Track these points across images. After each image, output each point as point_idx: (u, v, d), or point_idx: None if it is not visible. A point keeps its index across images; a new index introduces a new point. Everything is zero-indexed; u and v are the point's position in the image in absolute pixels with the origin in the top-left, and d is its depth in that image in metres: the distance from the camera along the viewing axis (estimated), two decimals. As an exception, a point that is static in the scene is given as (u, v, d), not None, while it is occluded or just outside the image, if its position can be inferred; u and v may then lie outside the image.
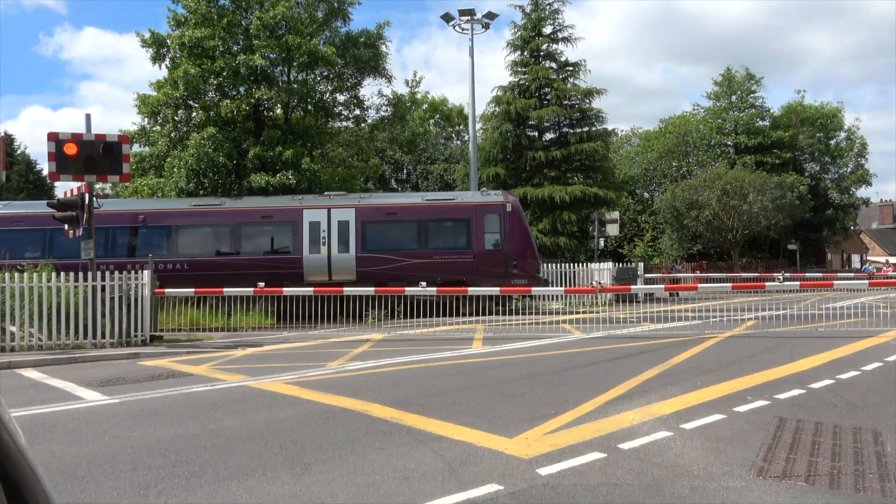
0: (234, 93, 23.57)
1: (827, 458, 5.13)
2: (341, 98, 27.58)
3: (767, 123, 45.26)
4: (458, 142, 49.55)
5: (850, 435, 5.78)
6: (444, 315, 17.63)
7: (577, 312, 18.38)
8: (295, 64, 24.23)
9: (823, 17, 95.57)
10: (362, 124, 29.30)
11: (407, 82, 50.53)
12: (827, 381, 8.12)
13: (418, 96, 50.20)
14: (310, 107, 25.53)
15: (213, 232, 19.91)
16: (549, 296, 18.96)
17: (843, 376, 8.47)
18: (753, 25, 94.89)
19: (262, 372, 9.45)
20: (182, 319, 15.48)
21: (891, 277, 36.73)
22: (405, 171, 43.98)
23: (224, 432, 6.12)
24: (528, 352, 11.24)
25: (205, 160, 21.30)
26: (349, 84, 26.58)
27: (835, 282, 15.08)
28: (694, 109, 49.38)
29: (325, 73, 25.71)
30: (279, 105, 24.34)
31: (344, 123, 29.32)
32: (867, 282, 14.92)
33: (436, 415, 6.67)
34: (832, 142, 46.91)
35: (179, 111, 23.98)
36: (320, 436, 5.95)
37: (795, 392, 7.53)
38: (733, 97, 46.15)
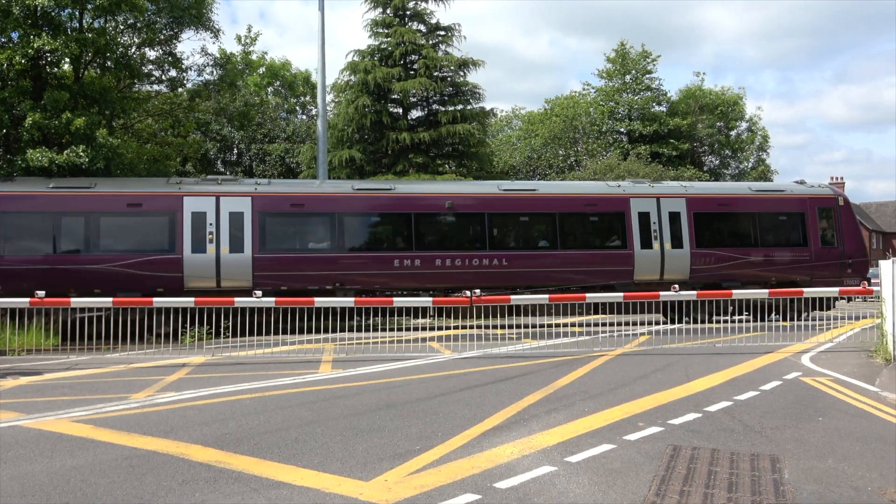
0: (3, 40, 21.89)
1: (723, 490, 5.63)
2: (152, 54, 26.34)
3: (664, 109, 48.50)
4: (304, 116, 48.99)
5: (748, 462, 6.36)
6: (286, 333, 17.39)
7: (447, 328, 18.77)
8: (90, 6, 22.89)
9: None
10: (180, 89, 28.16)
11: (239, 39, 49.29)
12: (724, 403, 8.88)
13: (253, 57, 49.09)
14: (109, 63, 24.18)
15: (529, 221, 20.97)
16: (412, 308, 19.15)
17: (742, 397, 9.30)
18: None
19: (42, 408, 8.90)
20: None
21: None
22: (235, 151, 42.85)
23: (-12, 489, 5.72)
24: (389, 376, 11.35)
25: (-38, 128, 19.64)
26: (163, 37, 25.45)
27: (734, 291, 16.45)
28: (584, 89, 52.00)
29: (131, 21, 24.48)
30: (67, 59, 22.89)
31: (155, 87, 28.02)
32: (767, 291, 16.44)
33: (274, 456, 6.60)
34: (733, 133, 51.08)
35: (-75, 62, 21.91)
36: (122, 489, 5.71)
37: (691, 416, 8.17)
38: (627, 77, 49.05)
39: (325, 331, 17.35)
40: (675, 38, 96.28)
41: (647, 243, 20.81)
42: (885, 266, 12.84)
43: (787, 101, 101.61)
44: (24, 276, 17.23)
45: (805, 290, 16.19)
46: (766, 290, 16.69)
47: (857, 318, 18.86)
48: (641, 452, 6.68)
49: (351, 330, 18.34)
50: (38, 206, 18.12)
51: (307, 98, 49.67)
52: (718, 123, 49.74)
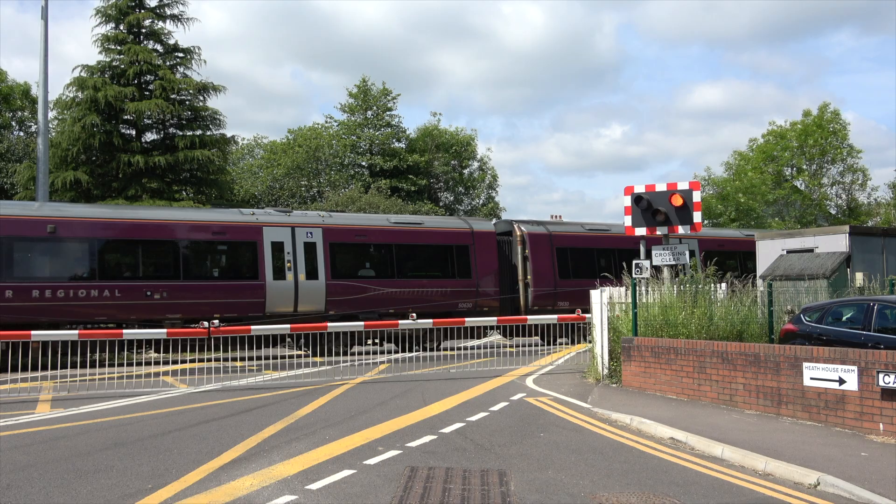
0: None
1: (456, 505, 5.94)
2: None
3: (403, 146, 50.33)
4: (22, 133, 44.54)
5: (479, 478, 6.77)
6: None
7: (183, 361, 17.92)
8: None
9: (456, 39, 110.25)
10: None
11: (-58, 42, 43.95)
12: (458, 425, 9.36)
13: (-40, 64, 43.98)
14: None
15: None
16: (144, 340, 18.07)
17: (473, 418, 9.86)
18: (391, 36, 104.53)
19: None
20: None
21: None
22: (-65, 168, 37.90)
23: None
24: (117, 413, 10.64)
25: None
26: None
27: (466, 319, 17.41)
28: (327, 122, 52.53)
29: None
30: None
31: None
32: (496, 319, 17.61)
33: (-20, 506, 5.92)
34: (466, 171, 54.16)
35: None
36: None
37: (427, 438, 8.52)
38: (369, 113, 50.30)
39: (45, 367, 15.83)
40: (413, 79, 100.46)
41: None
42: (595, 296, 14.29)
43: (512, 145, 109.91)
44: (554, 295, 22.63)
45: (547, 316, 17.51)
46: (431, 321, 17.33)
47: (575, 343, 20.74)
48: (381, 475, 6.85)
49: (74, 366, 16.87)
50: (579, 244, 24.15)
51: (26, 113, 45.28)
52: (453, 162, 52.47)
